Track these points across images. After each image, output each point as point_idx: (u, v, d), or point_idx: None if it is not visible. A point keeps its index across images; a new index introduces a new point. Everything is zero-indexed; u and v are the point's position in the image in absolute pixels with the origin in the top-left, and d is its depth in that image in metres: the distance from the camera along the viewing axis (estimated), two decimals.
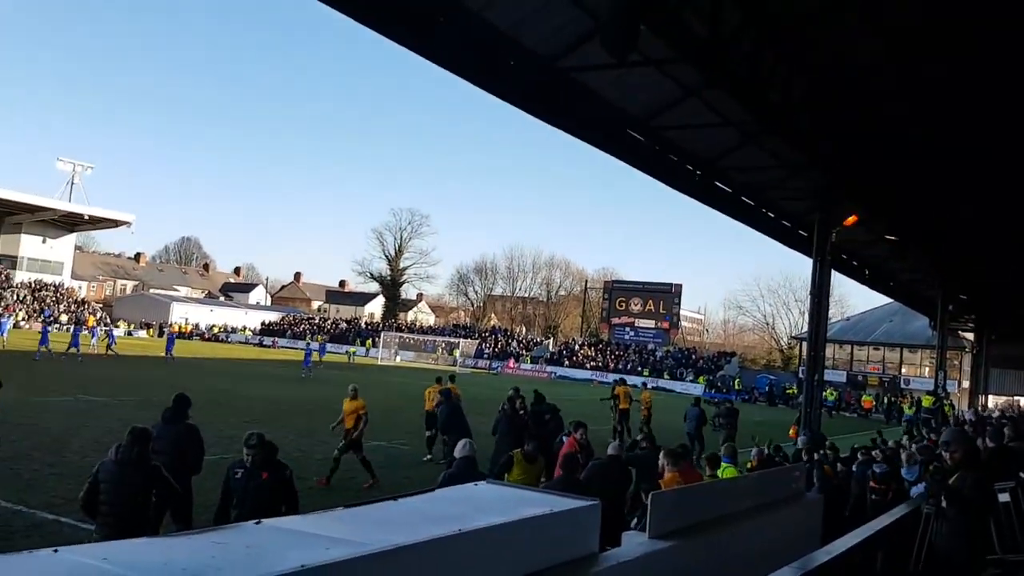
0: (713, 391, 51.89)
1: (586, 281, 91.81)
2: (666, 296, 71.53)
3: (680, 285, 72.25)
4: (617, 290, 74.92)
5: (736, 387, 52.80)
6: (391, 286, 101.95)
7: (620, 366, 63.94)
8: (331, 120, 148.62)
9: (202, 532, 3.50)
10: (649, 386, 27.04)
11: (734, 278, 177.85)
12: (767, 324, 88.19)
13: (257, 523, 3.49)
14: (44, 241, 71.72)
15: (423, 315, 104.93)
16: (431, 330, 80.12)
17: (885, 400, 47.55)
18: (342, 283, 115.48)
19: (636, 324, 71.74)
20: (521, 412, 13.42)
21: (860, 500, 9.37)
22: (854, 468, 10.58)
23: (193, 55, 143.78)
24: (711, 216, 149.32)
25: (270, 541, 3.23)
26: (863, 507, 8.95)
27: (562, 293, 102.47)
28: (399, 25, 10.42)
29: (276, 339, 74.24)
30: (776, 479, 6.80)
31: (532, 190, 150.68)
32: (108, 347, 41.32)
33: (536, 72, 12.27)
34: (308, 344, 52.31)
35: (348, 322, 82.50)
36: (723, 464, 8.30)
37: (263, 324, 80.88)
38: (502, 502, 4.14)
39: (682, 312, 76.95)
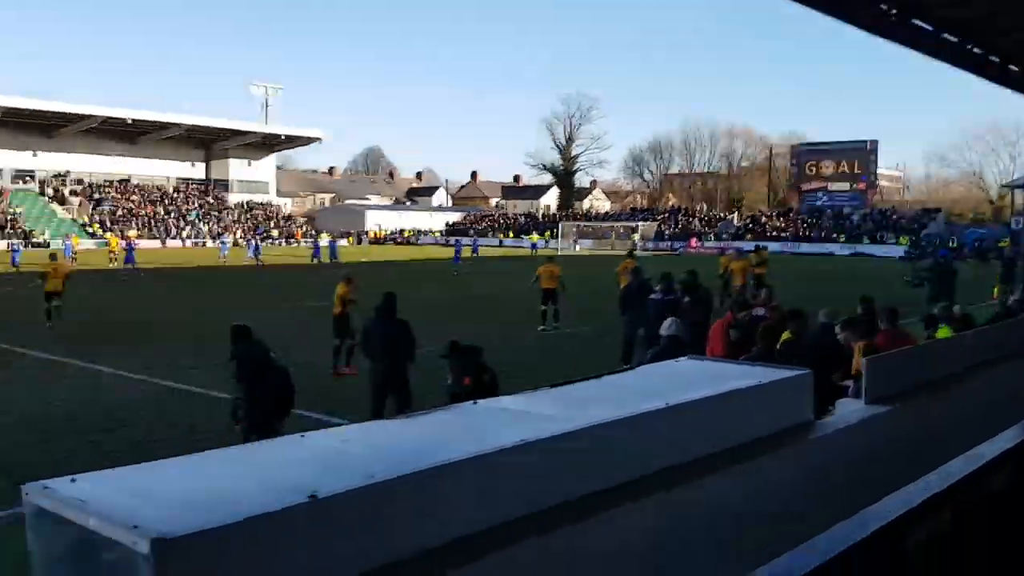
0: (915, 251, 48.07)
1: (771, 148, 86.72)
2: (860, 154, 66.26)
3: (876, 141, 66.61)
4: (806, 153, 70.26)
5: (950, 244, 48.26)
6: (564, 175, 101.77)
7: (814, 235, 60.74)
8: (492, 12, 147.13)
9: (426, 413, 3.78)
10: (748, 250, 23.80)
11: (933, 129, 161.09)
12: (974, 174, 79.94)
13: (474, 403, 3.70)
14: (249, 164, 77.81)
15: (598, 202, 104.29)
16: (608, 216, 79.64)
17: None
18: (516, 178, 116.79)
19: (829, 188, 67.34)
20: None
21: None
22: None
23: None
24: (903, 65, 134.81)
25: (489, 420, 3.41)
26: None
27: (744, 164, 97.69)
28: None
29: (460, 238, 77.00)
30: (997, 334, 6.29)
31: (703, 57, 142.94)
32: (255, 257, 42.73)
33: None
34: (458, 240, 52.59)
35: (526, 215, 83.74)
36: (941, 326, 7.79)
37: (447, 224, 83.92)
38: (708, 376, 4.13)
39: (879, 171, 71.12)
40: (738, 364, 4.59)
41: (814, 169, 68.34)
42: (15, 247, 41.94)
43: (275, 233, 71.19)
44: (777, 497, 3.59)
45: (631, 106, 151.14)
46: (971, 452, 2.70)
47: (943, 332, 7.63)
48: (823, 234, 60.57)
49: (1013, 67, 19.90)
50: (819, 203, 67.22)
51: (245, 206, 75.36)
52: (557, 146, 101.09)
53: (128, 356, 13.80)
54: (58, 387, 11.53)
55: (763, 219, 68.56)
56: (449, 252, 45.79)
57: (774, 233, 62.87)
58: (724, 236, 64.11)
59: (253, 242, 47.86)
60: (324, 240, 62.05)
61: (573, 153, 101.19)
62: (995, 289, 20.75)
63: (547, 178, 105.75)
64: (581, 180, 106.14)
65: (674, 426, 3.38)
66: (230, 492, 2.41)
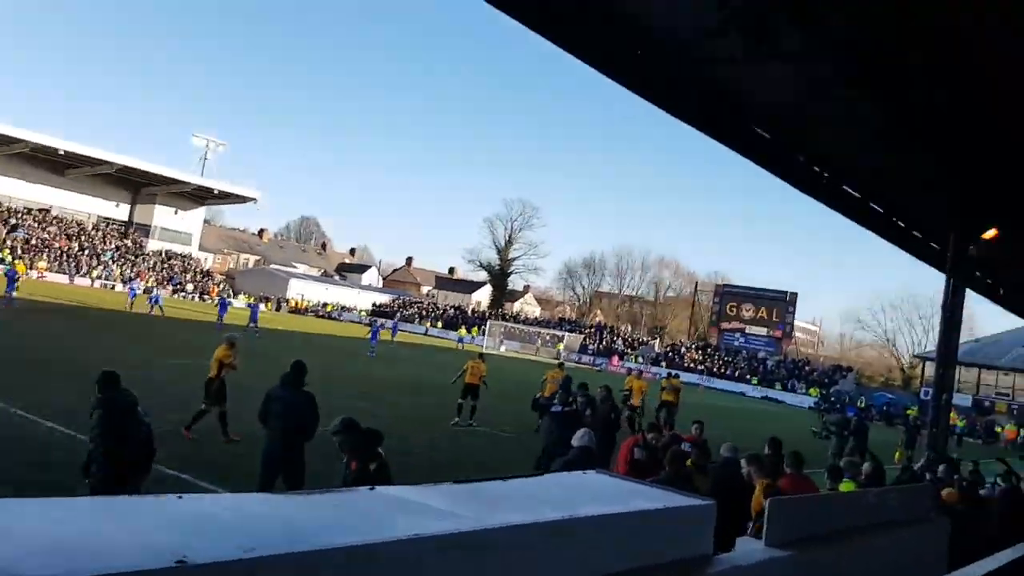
0: (825, 404, 49.75)
1: (696, 283, 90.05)
2: (780, 304, 69.28)
3: (795, 294, 69.96)
4: (728, 294, 73.07)
5: (859, 404, 50.03)
6: (499, 276, 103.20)
7: (728, 372, 62.39)
8: (449, 111, 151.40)
9: (318, 492, 3.56)
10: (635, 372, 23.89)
11: (853, 291, 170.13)
12: (887, 340, 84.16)
13: (371, 489, 3.52)
14: (176, 212, 76.25)
15: (529, 307, 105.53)
16: (537, 322, 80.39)
17: None
18: (451, 270, 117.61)
19: (747, 331, 69.85)
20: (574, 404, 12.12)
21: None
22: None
23: (321, 42, 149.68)
24: (829, 225, 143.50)
25: (381, 508, 3.24)
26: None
27: (670, 294, 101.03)
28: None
29: (385, 320, 76.40)
30: (902, 496, 6.38)
31: (642, 188, 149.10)
32: (154, 307, 41.12)
33: (664, 62, 11.95)
34: (376, 321, 51.30)
35: (455, 308, 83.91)
36: (844, 479, 7.90)
37: (374, 305, 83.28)
38: (615, 492, 4.03)
39: (796, 322, 74.28)
40: (645, 484, 4.50)
41: (735, 310, 70.92)
42: None
43: (189, 287, 69.21)
44: None
45: (571, 220, 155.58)
46: None
47: (847, 486, 7.74)
48: (737, 374, 62.25)
49: (934, 244, 21.28)
50: (736, 343, 69.43)
51: (164, 255, 73.40)
52: (495, 246, 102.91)
53: (12, 390, 12.91)
54: None
55: (683, 349, 70.25)
56: (361, 332, 45.10)
57: (691, 364, 64.34)
58: (643, 360, 65.26)
59: (155, 293, 46.00)
60: (239, 302, 60.66)
61: (511, 255, 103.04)
62: (897, 454, 21.50)
63: (482, 275, 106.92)
64: (515, 283, 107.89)
65: (574, 539, 3.25)
66: (97, 543, 2.23)
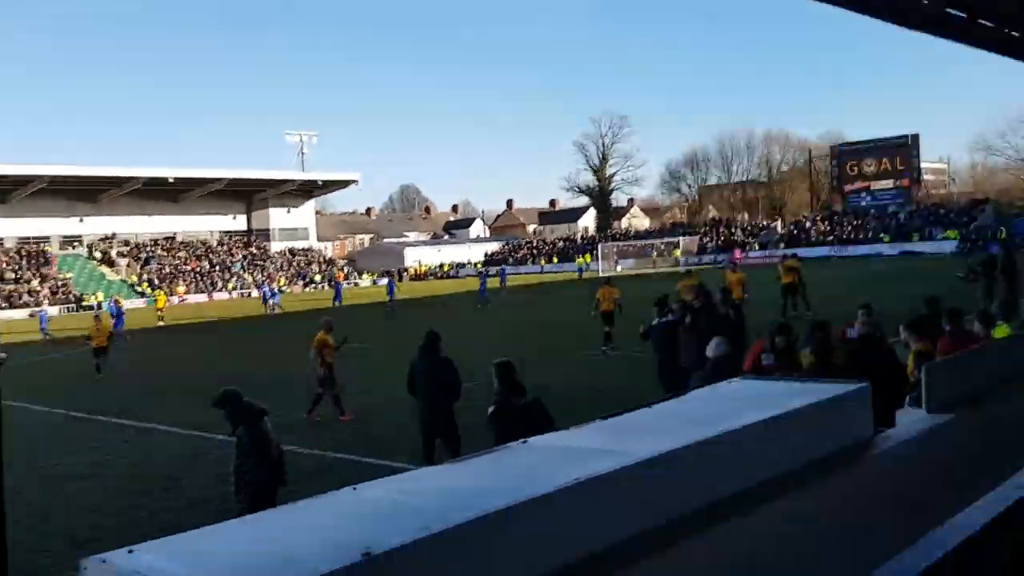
0: (967, 245, 46.76)
1: (810, 151, 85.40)
2: (902, 150, 65.02)
3: (917, 135, 65.30)
4: (846, 153, 69.16)
5: (1000, 236, 46.78)
6: (600, 196, 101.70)
7: (860, 236, 59.59)
8: (513, 44, 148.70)
9: (475, 456, 3.72)
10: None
11: (976, 118, 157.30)
12: (1021, 160, 77.54)
13: (523, 443, 3.63)
14: (288, 211, 79.43)
15: (636, 220, 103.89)
16: (647, 234, 79.21)
17: None
18: (552, 202, 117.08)
19: (872, 187, 66.16)
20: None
21: None
22: None
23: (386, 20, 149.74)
24: (937, 53, 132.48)
25: (540, 459, 3.34)
26: None
27: (784, 168, 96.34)
28: None
29: (486, 269, 77.13)
30: None
31: (732, 63, 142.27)
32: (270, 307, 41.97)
33: None
34: (484, 271, 49.35)
35: (564, 240, 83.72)
36: (997, 323, 7.49)
37: (486, 255, 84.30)
38: (762, 397, 4.00)
39: (923, 165, 69.60)
40: (792, 381, 4.45)
41: (855, 169, 67.23)
42: (42, 314, 38.86)
43: (317, 278, 72.24)
44: (843, 517, 3.45)
45: (663, 120, 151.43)
46: None
47: (1001, 331, 7.34)
48: (869, 234, 59.39)
49: None
50: (863, 203, 66.01)
51: (287, 253, 76.73)
52: (591, 167, 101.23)
53: (179, 412, 13.98)
54: (117, 446, 11.72)
55: (807, 224, 67.48)
56: (494, 283, 45.22)
57: (819, 238, 61.84)
58: (769, 244, 63.20)
59: (267, 290, 45.76)
60: (365, 280, 62.60)
61: (608, 173, 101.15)
62: None
63: (583, 200, 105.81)
64: (618, 199, 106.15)
65: (732, 453, 3.28)
66: (287, 552, 2.37)
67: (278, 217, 78.95)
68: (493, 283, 44.77)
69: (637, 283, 38.67)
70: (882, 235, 58.32)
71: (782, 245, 59.24)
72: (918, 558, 1.86)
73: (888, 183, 65.29)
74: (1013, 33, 19.33)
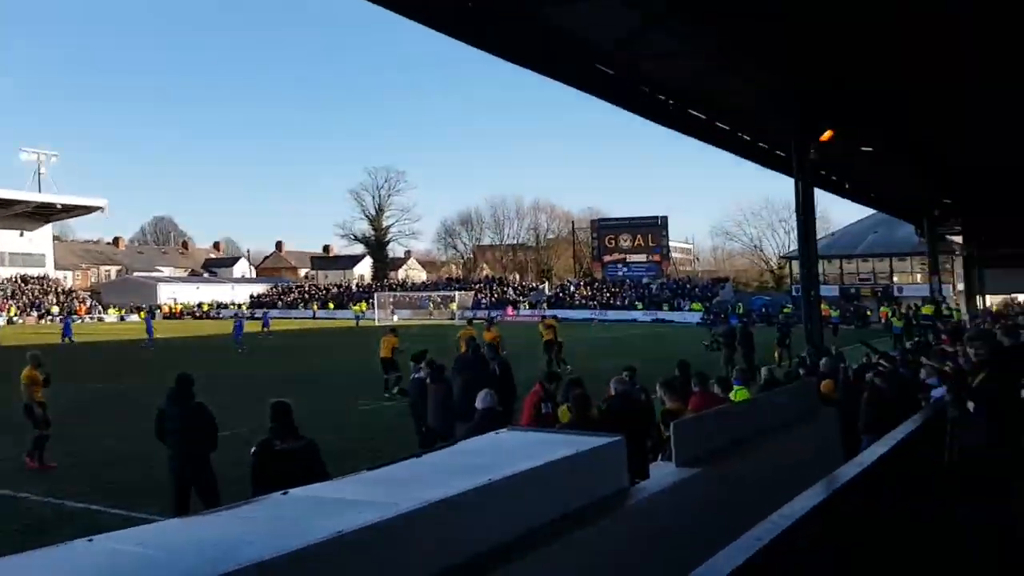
0: (711, 317, 52.13)
1: (573, 222, 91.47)
2: (654, 228, 71.54)
3: (666, 217, 72.30)
4: (605, 228, 74.81)
5: (738, 311, 52.57)
6: (377, 246, 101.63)
7: (617, 302, 64.23)
8: (295, 85, 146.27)
9: (229, 508, 3.44)
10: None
11: (717, 206, 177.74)
12: (755, 247, 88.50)
13: (284, 494, 3.43)
14: (22, 234, 71.07)
15: (414, 271, 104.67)
16: (424, 286, 80.00)
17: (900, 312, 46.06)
18: (326, 248, 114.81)
19: (628, 259, 71.91)
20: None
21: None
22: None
23: (145, 28, 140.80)
24: (689, 147, 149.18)
25: (300, 511, 3.17)
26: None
27: (551, 236, 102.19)
28: None
29: (268, 311, 74.07)
30: (790, 396, 6.80)
31: (508, 136, 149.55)
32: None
33: (499, 11, 11.88)
34: (240, 314, 47.99)
35: (339, 286, 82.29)
36: (735, 387, 8.30)
37: (251, 297, 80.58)
38: (527, 447, 4.09)
39: (671, 243, 77.01)
40: (555, 433, 4.60)
41: (613, 242, 72.81)
42: None
43: (55, 309, 64.96)
44: (603, 563, 3.57)
45: (438, 181, 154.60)
46: (779, 512, 2.80)
47: (741, 394, 8.14)
48: (626, 302, 64.23)
49: (779, 152, 22.41)
50: (620, 273, 71.46)
51: (19, 280, 68.39)
52: (367, 216, 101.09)
53: None
54: None
55: (571, 288, 71.71)
56: (254, 327, 43.35)
57: (582, 301, 65.87)
58: (538, 304, 66.22)
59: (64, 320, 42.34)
60: (111, 316, 57.23)
61: (385, 224, 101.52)
62: (776, 353, 22.70)
63: (359, 248, 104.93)
64: (395, 250, 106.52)
65: (496, 503, 3.29)
66: None
67: (9, 240, 70.31)
68: (254, 327, 42.98)
69: (420, 332, 38.71)
70: (637, 303, 63.32)
71: (544, 306, 62.53)
72: None
73: (642, 257, 71.45)
74: (744, 136, 22.06)
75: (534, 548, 3.24)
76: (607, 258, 73.07)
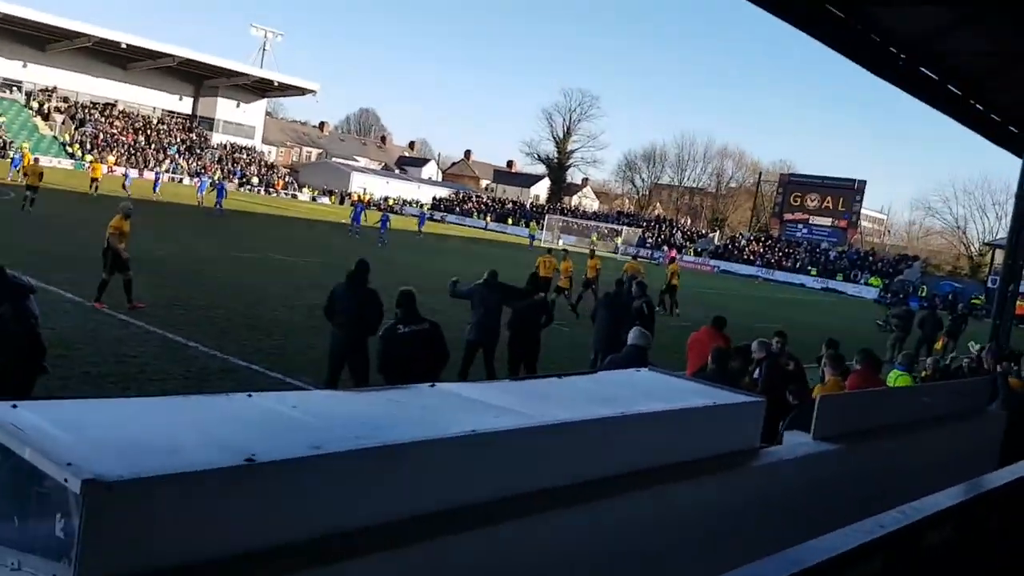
0: (889, 296, 48.78)
1: (760, 173, 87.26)
2: (847, 193, 66.93)
3: (864, 181, 67.25)
4: (793, 184, 70.85)
5: (920, 293, 48.83)
6: (557, 169, 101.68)
7: (789, 264, 61.41)
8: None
9: (380, 390, 3.75)
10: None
11: (924, 177, 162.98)
12: (957, 228, 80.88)
13: (431, 386, 3.67)
14: (238, 105, 76.57)
15: (588, 200, 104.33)
16: (595, 215, 79.71)
17: None
18: (510, 163, 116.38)
19: (811, 221, 68.01)
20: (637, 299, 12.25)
21: None
22: None
23: None
24: (902, 110, 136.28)
25: (442, 404, 3.40)
26: None
27: (732, 185, 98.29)
28: None
29: (445, 214, 76.82)
30: (953, 391, 6.38)
31: (707, 76, 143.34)
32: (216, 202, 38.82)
33: None
34: (359, 203, 46.29)
35: (514, 203, 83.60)
36: (897, 372, 7.88)
37: (434, 199, 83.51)
38: (665, 390, 4.15)
39: (864, 211, 71.93)
40: (696, 382, 4.61)
41: (799, 200, 68.94)
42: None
43: (255, 180, 70.36)
44: (715, 517, 3.62)
45: (630, 112, 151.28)
46: (911, 504, 2.72)
47: (902, 379, 7.73)
48: (797, 264, 61.24)
49: (1012, 128, 20.25)
50: (798, 234, 67.90)
51: (228, 148, 74.32)
52: (554, 138, 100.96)
53: (88, 284, 13.51)
54: None
55: (742, 241, 69.14)
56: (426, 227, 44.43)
57: (750, 257, 63.49)
58: (703, 252, 64.55)
59: (220, 184, 43.64)
60: (304, 195, 60.67)
61: (569, 147, 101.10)
62: (939, 343, 20.88)
63: (540, 168, 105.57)
64: (573, 175, 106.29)
65: (625, 434, 3.39)
66: (168, 442, 2.39)
67: (226, 109, 76.02)
68: (402, 224, 44.41)
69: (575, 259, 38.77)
70: (810, 268, 60.19)
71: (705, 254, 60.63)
72: (778, 567, 1.97)
73: (827, 220, 67.25)
74: (977, 105, 20.03)
75: (652, 485, 3.33)
76: (788, 216, 69.45)
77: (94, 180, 36.91)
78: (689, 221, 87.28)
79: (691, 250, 65.51)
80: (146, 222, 27.96)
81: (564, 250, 23.22)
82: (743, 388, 6.08)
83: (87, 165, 53.87)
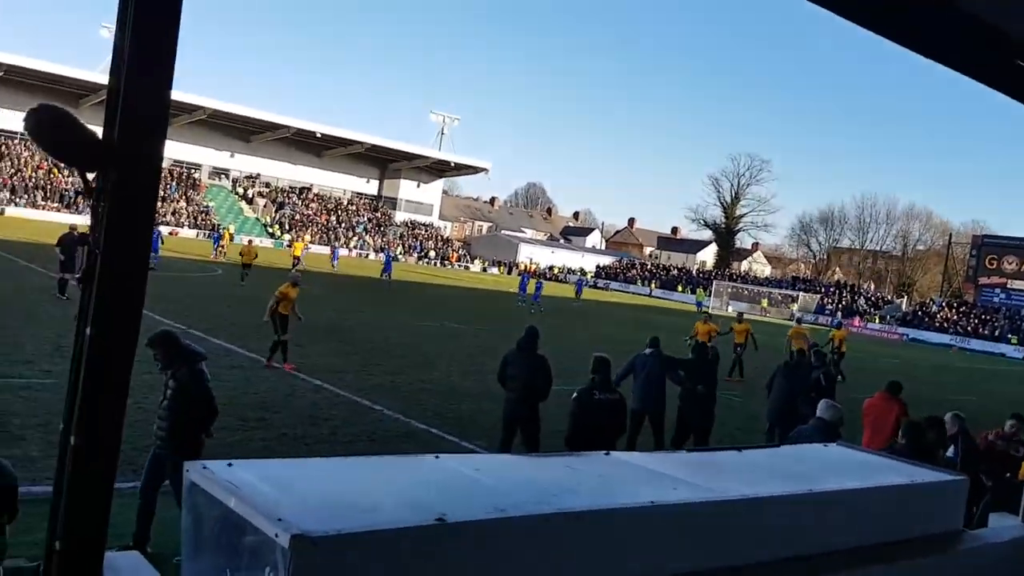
0: None
1: (950, 235, 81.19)
2: None
3: None
4: (988, 245, 65.19)
5: None
6: (725, 234, 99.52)
7: (986, 331, 56.12)
8: (661, 69, 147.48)
9: (556, 456, 3.79)
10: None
11: None
12: None
13: (607, 454, 3.68)
14: (418, 185, 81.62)
15: (758, 265, 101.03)
16: (767, 281, 76.92)
17: None
18: (674, 230, 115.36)
19: (1009, 285, 62.11)
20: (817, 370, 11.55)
21: None
22: None
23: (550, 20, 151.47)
24: None
25: (619, 473, 3.38)
26: None
27: (920, 247, 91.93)
28: None
29: (610, 281, 76.98)
30: None
31: (888, 132, 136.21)
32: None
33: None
34: (524, 274, 46.28)
35: (679, 269, 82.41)
36: None
37: (598, 267, 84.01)
38: (855, 466, 3.92)
39: None
40: (890, 458, 4.31)
41: (995, 263, 63.28)
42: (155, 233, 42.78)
43: (431, 253, 73.95)
44: None
45: (803, 173, 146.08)
46: None
47: None
48: (996, 332, 55.80)
49: None
50: (997, 300, 62.07)
51: (409, 224, 78.85)
52: (721, 203, 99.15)
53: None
54: (227, 372, 12.32)
55: (933, 307, 64.05)
56: (589, 294, 44.53)
57: (943, 324, 58.64)
58: (889, 319, 60.38)
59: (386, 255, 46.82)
60: (475, 266, 62.58)
61: (738, 212, 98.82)
62: None
63: (706, 234, 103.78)
64: (742, 240, 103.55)
65: (812, 513, 3.23)
66: (366, 501, 2.53)
67: (407, 189, 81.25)
68: (563, 291, 44.78)
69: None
70: (1010, 336, 54.67)
71: (892, 321, 56.35)
72: None
73: None
74: None
75: (845, 568, 3.14)
76: (984, 280, 63.81)
77: (296, 259, 38.55)
78: (873, 286, 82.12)
79: (876, 317, 61.46)
80: (330, 293, 30.13)
81: (707, 313, 22.23)
82: (939, 464, 5.62)
83: (286, 243, 58.81)
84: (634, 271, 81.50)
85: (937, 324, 58.89)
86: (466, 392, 13.11)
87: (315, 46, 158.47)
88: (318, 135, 69.81)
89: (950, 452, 7.12)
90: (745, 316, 24.92)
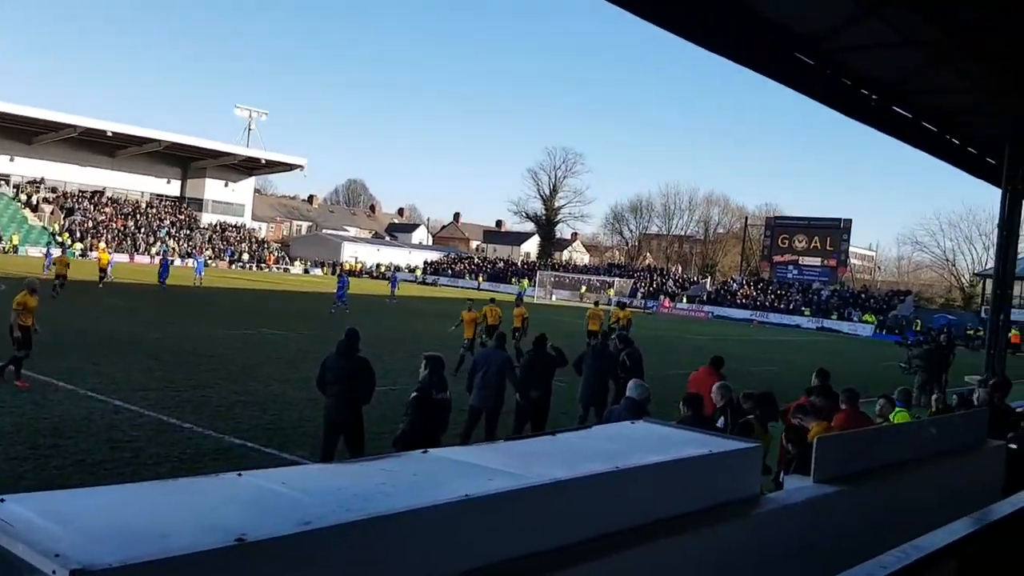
0: (884, 332, 48.85)
1: (746, 218, 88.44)
2: (833, 232, 67.73)
3: (849, 220, 68.16)
4: (780, 226, 71.71)
5: (915, 327, 48.98)
6: (546, 225, 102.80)
7: (783, 306, 61.59)
8: (482, 62, 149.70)
9: (372, 460, 3.71)
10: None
11: (909, 212, 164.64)
12: (946, 260, 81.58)
13: (424, 452, 3.64)
14: (226, 185, 77.45)
15: (578, 254, 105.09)
16: (586, 269, 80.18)
17: None
18: (499, 223, 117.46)
19: (800, 262, 68.68)
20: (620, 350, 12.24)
21: None
22: None
23: (356, 9, 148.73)
24: (882, 147, 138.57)
25: (435, 470, 3.36)
26: None
27: (720, 231, 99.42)
28: None
29: (438, 277, 77.22)
30: (951, 426, 6.33)
31: (688, 126, 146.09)
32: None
33: None
34: (344, 274, 43.54)
35: (505, 261, 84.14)
36: (896, 409, 7.85)
37: (425, 263, 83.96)
38: (659, 441, 4.11)
39: (852, 249, 72.61)
40: (691, 431, 4.57)
41: (787, 242, 69.64)
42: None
43: (245, 256, 70.70)
44: (718, 569, 3.56)
45: (614, 165, 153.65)
46: (911, 544, 2.69)
47: (900, 416, 7.69)
48: (791, 306, 61.43)
49: (989, 159, 20.55)
50: (789, 276, 68.32)
51: (218, 227, 74.83)
52: (541, 196, 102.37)
53: (81, 372, 13.46)
54: (14, 397, 11.15)
55: (734, 286, 69.44)
56: (417, 291, 44.44)
57: (743, 301, 63.70)
58: (696, 299, 64.74)
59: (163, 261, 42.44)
60: (296, 268, 60.92)
61: (556, 204, 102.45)
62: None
63: (529, 226, 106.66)
64: (562, 231, 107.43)
65: (621, 490, 3.35)
66: (158, 526, 2.36)
67: (214, 189, 76.83)
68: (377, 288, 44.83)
69: (565, 312, 39.03)
70: (804, 309, 60.37)
71: (694, 300, 60.77)
72: None
73: (816, 260, 67.86)
74: (953, 140, 20.35)
75: (652, 540, 3.28)
76: (778, 258, 70.09)
77: (103, 271, 35.43)
78: (680, 269, 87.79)
79: (684, 297, 65.72)
80: (140, 305, 28.03)
81: (492, 299, 22.65)
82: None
83: (78, 253, 54.06)
84: (461, 265, 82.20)
85: (739, 301, 63.87)
86: (287, 401, 12.60)
87: (101, 39, 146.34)
88: (108, 134, 64.45)
89: (720, 423, 7.37)
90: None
